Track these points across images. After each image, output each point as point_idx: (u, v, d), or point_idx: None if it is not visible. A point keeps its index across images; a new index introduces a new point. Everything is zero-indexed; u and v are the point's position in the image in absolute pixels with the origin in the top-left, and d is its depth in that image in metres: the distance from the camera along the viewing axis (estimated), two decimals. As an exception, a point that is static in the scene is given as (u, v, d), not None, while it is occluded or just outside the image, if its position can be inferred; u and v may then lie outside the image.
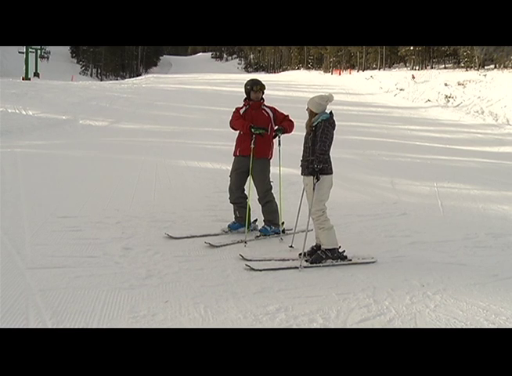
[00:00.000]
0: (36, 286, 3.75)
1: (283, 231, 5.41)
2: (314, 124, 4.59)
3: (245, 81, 5.53)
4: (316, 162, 4.50)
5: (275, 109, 5.48)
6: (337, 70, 49.62)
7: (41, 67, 44.91)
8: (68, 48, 72.43)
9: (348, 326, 3.34)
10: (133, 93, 24.54)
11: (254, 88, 5.34)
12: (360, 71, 46.86)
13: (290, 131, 5.40)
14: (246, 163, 5.32)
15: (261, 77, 6.30)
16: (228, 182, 5.51)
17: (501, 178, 9.66)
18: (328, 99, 4.65)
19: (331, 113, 4.67)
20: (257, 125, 5.25)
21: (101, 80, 59.60)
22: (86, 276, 4.00)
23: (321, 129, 4.52)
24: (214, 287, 3.91)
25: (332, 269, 4.49)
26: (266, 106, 5.44)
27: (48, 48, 48.63)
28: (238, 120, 5.36)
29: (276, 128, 5.35)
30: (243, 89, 5.43)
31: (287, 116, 5.49)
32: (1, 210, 5.68)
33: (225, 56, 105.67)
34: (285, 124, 5.36)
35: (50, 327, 3.14)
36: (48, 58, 49.05)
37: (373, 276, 4.29)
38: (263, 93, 5.42)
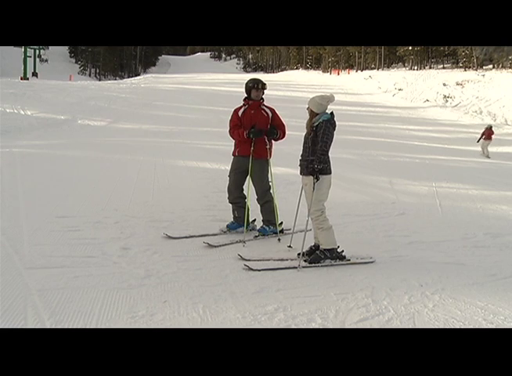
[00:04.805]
0: (34, 286, 3.75)
1: (282, 231, 5.41)
2: (315, 125, 4.58)
3: (244, 81, 5.52)
4: (317, 162, 4.50)
5: (274, 110, 5.47)
6: (335, 70, 49.68)
7: (40, 67, 44.85)
8: (66, 47, 72.33)
9: (347, 326, 3.34)
10: (132, 93, 24.55)
11: (256, 86, 5.32)
12: (359, 71, 46.93)
13: (278, 140, 5.41)
14: (245, 163, 5.32)
15: (260, 77, 6.28)
16: (227, 182, 5.51)
17: (499, 178, 9.69)
18: (329, 99, 4.64)
19: (332, 113, 4.67)
20: (255, 126, 5.24)
21: (99, 80, 59.59)
22: (84, 276, 3.99)
23: (322, 129, 4.52)
24: (212, 287, 3.91)
25: (330, 269, 4.49)
26: (266, 106, 5.43)
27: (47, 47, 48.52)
28: (234, 131, 5.37)
29: (272, 130, 5.32)
30: (244, 88, 5.40)
31: (284, 126, 5.45)
32: (-1, 210, 5.67)
33: (223, 55, 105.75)
34: (280, 134, 5.36)
35: (48, 327, 3.14)
36: (47, 60, 48.93)
37: (372, 276, 4.30)
38: (263, 93, 5.41)
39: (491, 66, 33.22)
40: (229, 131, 5.47)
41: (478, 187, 8.49)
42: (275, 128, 5.33)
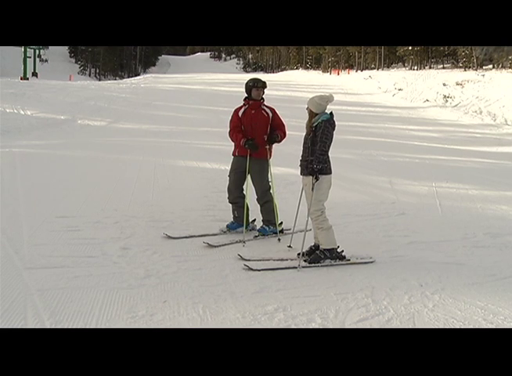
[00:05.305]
0: (34, 286, 3.75)
1: (282, 231, 5.41)
2: (314, 125, 4.59)
3: (244, 81, 5.52)
4: (316, 162, 4.50)
5: (274, 110, 5.47)
6: (335, 70, 49.63)
7: (40, 67, 44.82)
8: (66, 47, 72.26)
9: (347, 326, 3.35)
10: (131, 93, 24.52)
11: (256, 85, 5.31)
12: (359, 71, 46.90)
13: (280, 142, 5.41)
14: (245, 163, 5.32)
15: (260, 77, 6.26)
16: (227, 182, 5.51)
17: (499, 178, 9.67)
18: (328, 99, 4.64)
19: (331, 113, 4.67)
20: (253, 140, 5.25)
21: (99, 80, 59.54)
22: (84, 276, 4.00)
23: (321, 130, 4.52)
24: (212, 287, 3.91)
25: (330, 269, 4.49)
26: (266, 106, 5.43)
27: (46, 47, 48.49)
28: (234, 133, 5.37)
29: (274, 135, 5.31)
30: (244, 88, 5.40)
31: (284, 126, 5.46)
32: (-1, 210, 5.67)
33: (223, 55, 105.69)
34: (281, 135, 5.35)
35: (48, 327, 3.14)
36: (47, 60, 48.91)
37: (372, 276, 4.30)
38: (264, 92, 5.41)
39: (491, 66, 33.19)
40: (229, 132, 5.47)
41: (478, 187, 8.47)
42: (275, 134, 5.31)
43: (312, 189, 4.55)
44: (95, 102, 19.54)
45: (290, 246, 4.99)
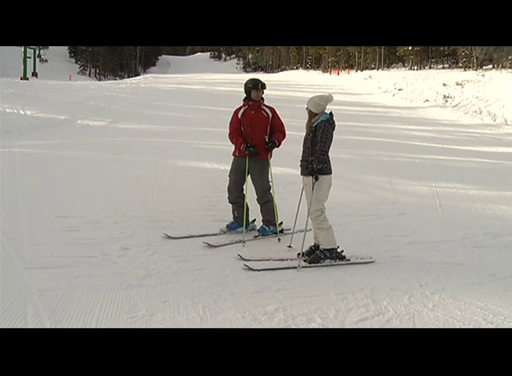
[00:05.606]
0: (34, 286, 3.75)
1: (282, 231, 5.41)
2: (314, 125, 4.59)
3: (244, 81, 5.52)
4: (316, 162, 4.50)
5: (274, 110, 5.46)
6: (335, 70, 49.62)
7: (40, 67, 44.79)
8: (66, 47, 72.23)
9: (347, 326, 3.35)
10: (131, 93, 24.51)
11: (256, 87, 5.31)
12: (359, 71, 46.90)
13: (280, 144, 5.41)
14: (245, 163, 5.32)
15: (260, 77, 6.29)
16: (227, 182, 5.51)
17: (499, 178, 9.67)
18: (327, 99, 4.64)
19: (331, 113, 4.67)
20: (254, 147, 5.25)
21: (99, 80, 59.52)
22: (84, 276, 4.00)
23: (321, 130, 4.52)
24: (212, 287, 3.91)
25: (330, 269, 4.49)
26: (266, 106, 5.43)
27: (46, 47, 48.52)
28: (234, 137, 5.38)
29: (270, 144, 5.31)
30: (243, 88, 5.40)
31: (283, 126, 5.46)
32: (-1, 210, 5.67)
33: (223, 55, 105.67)
34: (280, 138, 5.35)
35: (48, 327, 3.14)
36: (47, 60, 48.93)
37: (372, 276, 4.30)
38: (263, 92, 5.41)
39: (491, 66, 33.19)
40: (229, 135, 5.47)
41: (478, 187, 8.48)
42: (273, 141, 5.30)
43: (312, 189, 4.55)
44: (95, 102, 19.54)
45: (290, 246, 4.99)
